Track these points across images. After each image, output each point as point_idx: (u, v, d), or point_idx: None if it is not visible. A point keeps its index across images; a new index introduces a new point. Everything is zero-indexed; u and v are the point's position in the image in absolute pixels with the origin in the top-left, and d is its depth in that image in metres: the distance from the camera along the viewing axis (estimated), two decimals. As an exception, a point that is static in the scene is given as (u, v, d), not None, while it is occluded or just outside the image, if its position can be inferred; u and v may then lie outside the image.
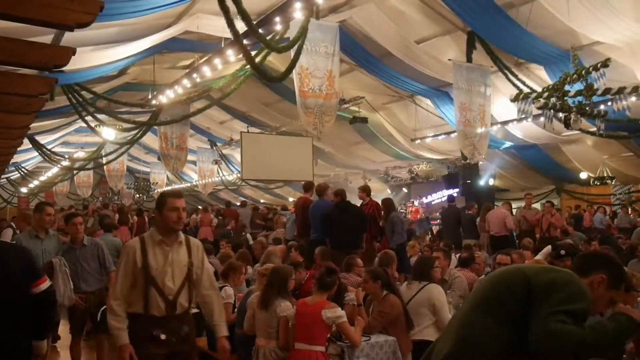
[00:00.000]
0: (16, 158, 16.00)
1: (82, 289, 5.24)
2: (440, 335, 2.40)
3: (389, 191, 19.89)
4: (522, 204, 12.18)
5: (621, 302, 2.24)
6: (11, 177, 23.98)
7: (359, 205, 8.32)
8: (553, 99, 7.63)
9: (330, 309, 3.86)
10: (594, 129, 9.99)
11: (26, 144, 13.25)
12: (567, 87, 7.59)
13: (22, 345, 3.01)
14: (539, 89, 8.74)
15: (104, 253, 5.46)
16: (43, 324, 3.11)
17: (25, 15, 2.85)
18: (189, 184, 25.61)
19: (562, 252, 4.93)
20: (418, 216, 16.68)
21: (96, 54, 8.17)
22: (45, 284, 3.09)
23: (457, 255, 6.98)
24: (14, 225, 9.27)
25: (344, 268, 5.60)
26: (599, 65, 7.30)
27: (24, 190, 26.16)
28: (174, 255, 3.23)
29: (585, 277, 2.20)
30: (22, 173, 22.45)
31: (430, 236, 13.09)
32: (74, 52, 3.55)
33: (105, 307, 5.86)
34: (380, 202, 8.45)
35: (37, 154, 16.41)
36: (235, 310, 4.93)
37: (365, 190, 8.55)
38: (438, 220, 15.29)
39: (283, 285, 4.24)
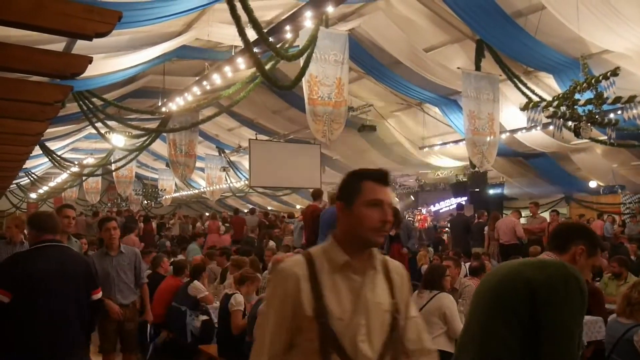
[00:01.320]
0: (26, 164, 16.12)
1: (117, 300, 4.78)
2: (458, 351, 2.40)
3: (396, 199, 19.86)
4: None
5: (599, 265, 2.38)
6: (21, 183, 24.17)
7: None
8: (563, 108, 7.60)
9: None
10: (603, 137, 9.95)
11: (36, 150, 13.37)
12: (577, 96, 7.57)
13: (83, 343, 3.41)
14: (548, 98, 8.72)
15: (140, 263, 5.07)
16: (91, 328, 3.54)
17: (45, 25, 2.88)
18: (196, 191, 25.69)
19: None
20: (426, 224, 16.63)
21: (108, 61, 8.25)
22: (100, 293, 3.50)
23: (467, 264, 6.97)
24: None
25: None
26: (608, 74, 7.28)
27: (33, 195, 26.35)
28: (368, 291, 1.76)
29: (566, 252, 2.31)
30: (31, 179, 22.63)
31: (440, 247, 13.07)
32: (90, 60, 3.60)
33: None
34: None
35: (47, 160, 16.54)
36: (246, 317, 4.95)
37: None
38: (446, 229, 15.26)
39: None
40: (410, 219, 16.10)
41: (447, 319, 4.43)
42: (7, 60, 3.58)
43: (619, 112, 8.28)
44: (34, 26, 2.90)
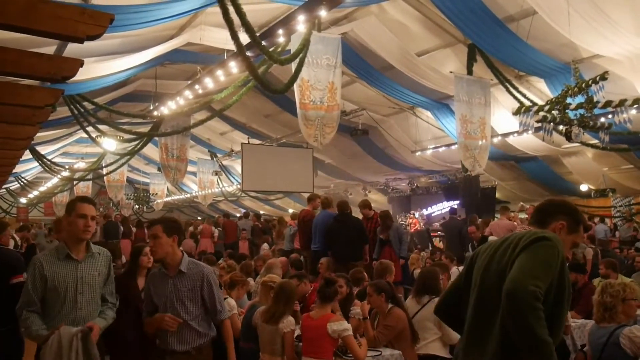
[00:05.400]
0: (16, 168, 15.98)
1: (170, 345, 3.22)
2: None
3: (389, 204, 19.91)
4: (522, 216, 12.18)
5: (581, 242, 2.36)
6: (10, 188, 23.96)
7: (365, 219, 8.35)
8: (555, 112, 7.65)
9: (336, 322, 3.83)
10: (594, 141, 10.01)
11: (26, 154, 13.26)
12: (568, 100, 7.62)
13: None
14: (539, 102, 8.77)
15: (211, 288, 3.31)
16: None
17: (36, 27, 2.83)
18: (188, 195, 25.58)
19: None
20: (418, 227, 16.65)
21: (99, 65, 8.20)
22: (22, 278, 3.79)
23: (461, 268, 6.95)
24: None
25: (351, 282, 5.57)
26: (597, 78, 7.34)
27: (23, 200, 26.12)
28: None
29: (545, 227, 2.30)
30: (21, 183, 22.43)
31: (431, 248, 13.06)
32: (81, 63, 3.56)
33: None
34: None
35: (37, 164, 16.40)
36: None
37: (367, 206, 8.60)
38: (438, 232, 15.27)
39: (289, 301, 4.14)
40: (402, 222, 16.11)
41: (442, 324, 4.40)
42: (-2, 63, 3.54)
43: (610, 116, 8.34)
44: (26, 29, 2.86)
